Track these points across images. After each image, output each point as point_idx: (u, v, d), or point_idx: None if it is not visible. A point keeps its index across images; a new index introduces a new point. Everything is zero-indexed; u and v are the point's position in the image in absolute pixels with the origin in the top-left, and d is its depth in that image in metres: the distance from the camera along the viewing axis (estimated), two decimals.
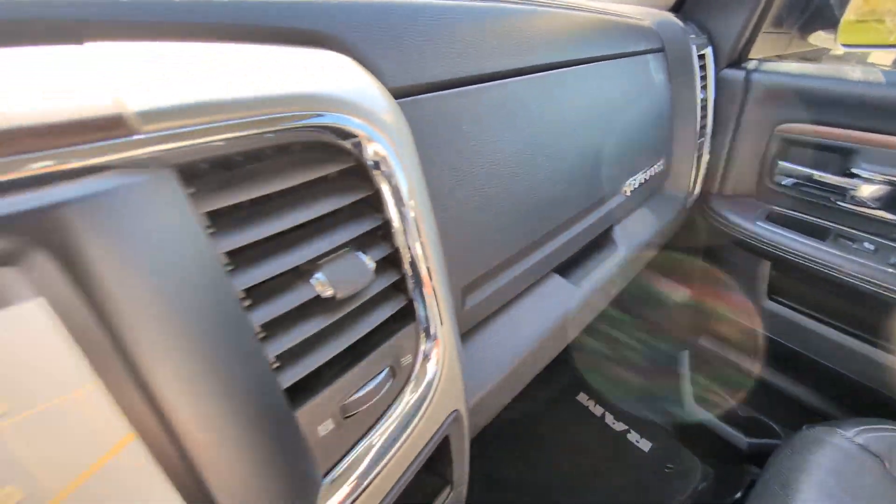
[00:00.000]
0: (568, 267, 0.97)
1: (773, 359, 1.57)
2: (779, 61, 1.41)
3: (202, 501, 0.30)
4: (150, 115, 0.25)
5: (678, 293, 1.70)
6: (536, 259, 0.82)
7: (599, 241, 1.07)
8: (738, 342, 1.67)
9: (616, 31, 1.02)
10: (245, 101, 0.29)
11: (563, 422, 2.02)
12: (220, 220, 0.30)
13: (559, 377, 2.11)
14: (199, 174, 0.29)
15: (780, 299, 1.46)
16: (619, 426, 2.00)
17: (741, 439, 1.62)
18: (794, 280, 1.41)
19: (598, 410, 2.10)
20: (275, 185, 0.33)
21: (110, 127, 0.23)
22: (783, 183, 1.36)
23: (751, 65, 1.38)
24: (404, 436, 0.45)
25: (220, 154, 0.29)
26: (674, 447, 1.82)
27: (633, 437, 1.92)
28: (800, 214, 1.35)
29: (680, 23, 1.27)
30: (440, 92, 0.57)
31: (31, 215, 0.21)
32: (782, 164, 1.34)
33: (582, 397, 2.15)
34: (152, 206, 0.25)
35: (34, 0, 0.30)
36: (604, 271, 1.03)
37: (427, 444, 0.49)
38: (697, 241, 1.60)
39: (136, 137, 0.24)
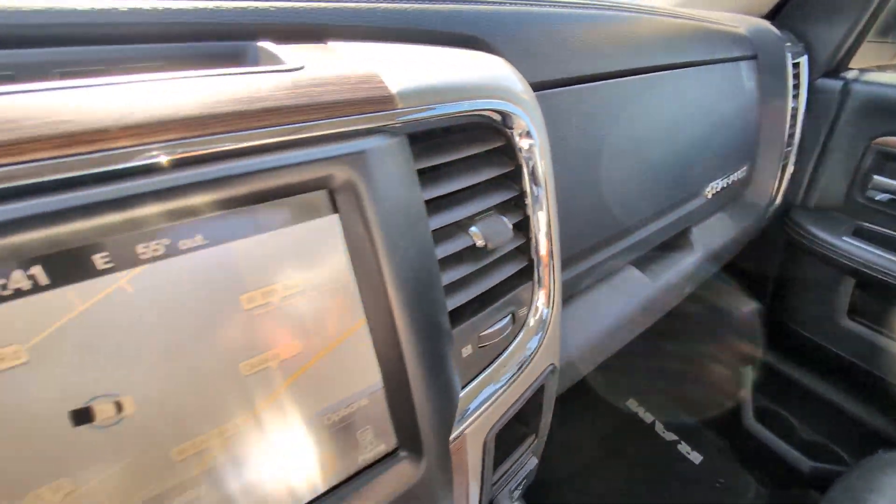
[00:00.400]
0: (645, 261, 1.01)
1: (847, 381, 1.51)
2: (880, 72, 1.36)
3: (394, 374, 0.40)
4: (404, 96, 0.35)
5: (748, 304, 1.67)
6: (618, 249, 0.89)
7: (676, 241, 1.10)
8: (809, 361, 1.61)
9: (711, 37, 1.05)
10: (454, 86, 0.39)
11: (610, 426, 2.03)
12: (421, 177, 0.40)
13: (609, 380, 2.12)
14: (415, 140, 0.39)
15: (861, 319, 1.41)
16: (670, 436, 1.98)
17: (804, 462, 1.57)
18: (878, 300, 1.35)
19: (647, 418, 2.09)
20: (455, 154, 0.43)
21: (384, 103, 0.34)
22: (876, 198, 1.31)
23: (850, 74, 1.34)
24: (517, 373, 0.54)
25: (431, 127, 0.39)
26: (727, 463, 1.79)
27: (683, 448, 1.89)
28: (892, 232, 1.30)
29: (775, 30, 1.26)
30: (559, 88, 0.65)
31: (342, 157, 0.32)
32: (877, 178, 1.29)
33: (632, 403, 2.15)
34: (399, 158, 0.36)
35: (300, 9, 0.42)
36: (678, 270, 1.06)
37: (529, 388, 0.58)
38: (773, 252, 1.57)
39: (395, 111, 0.35)
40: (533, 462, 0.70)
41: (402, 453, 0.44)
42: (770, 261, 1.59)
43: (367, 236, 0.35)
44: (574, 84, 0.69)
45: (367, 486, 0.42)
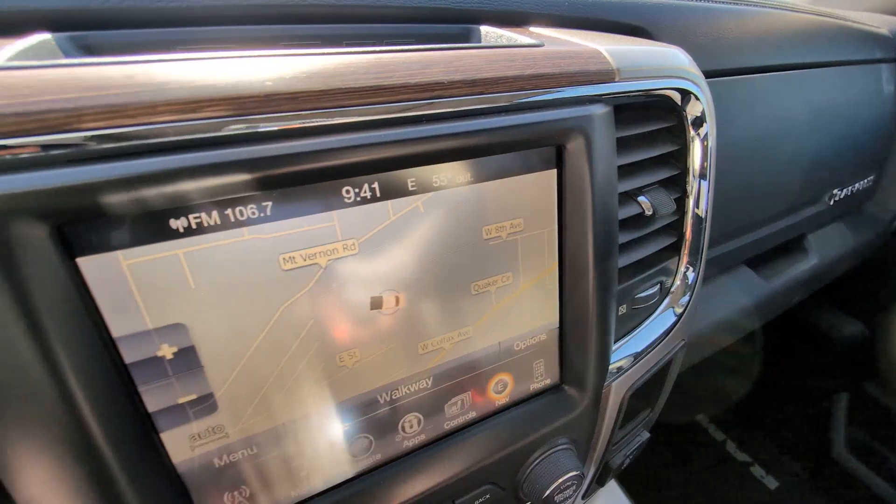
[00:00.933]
0: (758, 262, 1.00)
1: None
2: None
3: (571, 316, 0.47)
4: (623, 71, 0.41)
5: (851, 325, 1.56)
6: (737, 245, 0.89)
7: (791, 246, 1.07)
8: None
9: (851, 37, 1.01)
10: (657, 65, 0.45)
11: (676, 439, 1.96)
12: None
13: (678, 390, 2.04)
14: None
15: None
16: (742, 456, 1.88)
17: None
18: None
19: (718, 436, 2.00)
20: (639, 128, 0.48)
21: (608, 75, 0.40)
22: None
23: None
24: (659, 339, 0.58)
25: (629, 101, 0.45)
26: (806, 491, 1.68)
27: (757, 471, 1.80)
28: None
29: None
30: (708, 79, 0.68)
31: (577, 119, 0.38)
32: None
33: (702, 418, 2.06)
34: (610, 126, 0.41)
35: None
36: (791, 276, 1.04)
37: (664, 357, 0.62)
38: (887, 271, 1.45)
39: (614, 83, 0.41)
40: (645, 436, 0.74)
41: (567, 389, 0.50)
42: (882, 280, 1.48)
43: (581, 190, 0.41)
44: (717, 76, 0.71)
45: (536, 412, 0.49)
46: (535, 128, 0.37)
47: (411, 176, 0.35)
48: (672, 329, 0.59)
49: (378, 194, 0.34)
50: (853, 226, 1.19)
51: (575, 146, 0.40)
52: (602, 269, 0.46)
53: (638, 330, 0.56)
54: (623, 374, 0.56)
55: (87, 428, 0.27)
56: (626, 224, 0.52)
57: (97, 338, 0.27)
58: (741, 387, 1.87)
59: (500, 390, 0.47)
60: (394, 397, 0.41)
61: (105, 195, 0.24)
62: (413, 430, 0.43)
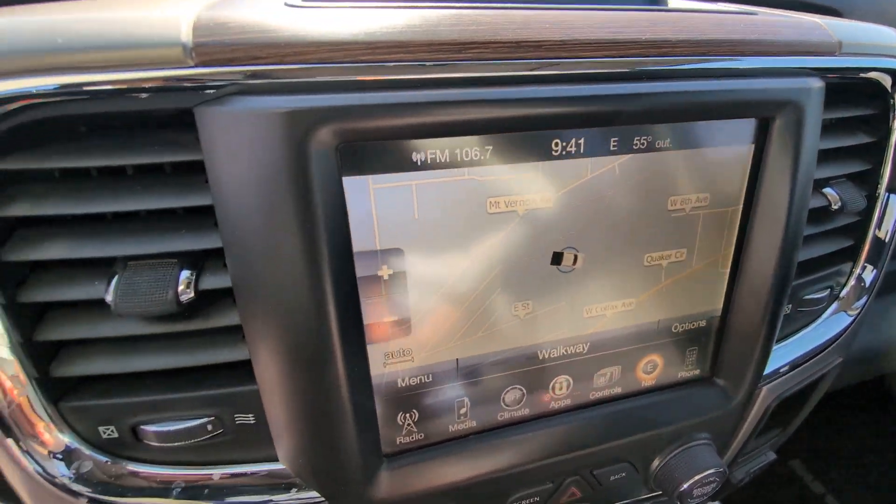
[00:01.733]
0: None
1: None
2: None
3: (739, 306, 0.44)
4: (845, 45, 0.38)
5: None
6: None
7: None
8: None
9: None
10: (876, 42, 0.41)
11: (764, 488, 1.76)
12: None
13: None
14: None
15: None
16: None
17: None
18: None
19: (817, 488, 1.77)
20: (839, 113, 0.44)
21: (829, 48, 0.38)
22: None
23: None
24: (819, 349, 0.53)
25: (840, 80, 0.41)
26: None
27: None
28: None
29: None
30: None
31: (793, 91, 0.36)
32: None
33: (798, 465, 1.84)
34: (821, 103, 0.39)
35: None
36: None
37: (817, 372, 0.56)
38: None
39: (835, 57, 0.38)
40: (770, 456, 0.68)
41: (719, 382, 0.48)
42: None
43: (781, 170, 0.39)
44: None
45: (683, 400, 0.47)
46: (747, 95, 0.35)
47: (615, 136, 0.35)
48: (836, 340, 0.54)
49: (582, 150, 0.35)
50: None
51: (784, 121, 0.37)
52: (785, 260, 0.43)
53: (799, 334, 0.52)
54: (777, 379, 0.52)
55: (326, 325, 0.32)
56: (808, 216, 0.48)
57: (345, 250, 0.31)
58: (849, 437, 1.63)
59: (649, 371, 0.46)
60: (552, 356, 0.42)
61: (389, 118, 0.28)
62: (561, 393, 0.44)
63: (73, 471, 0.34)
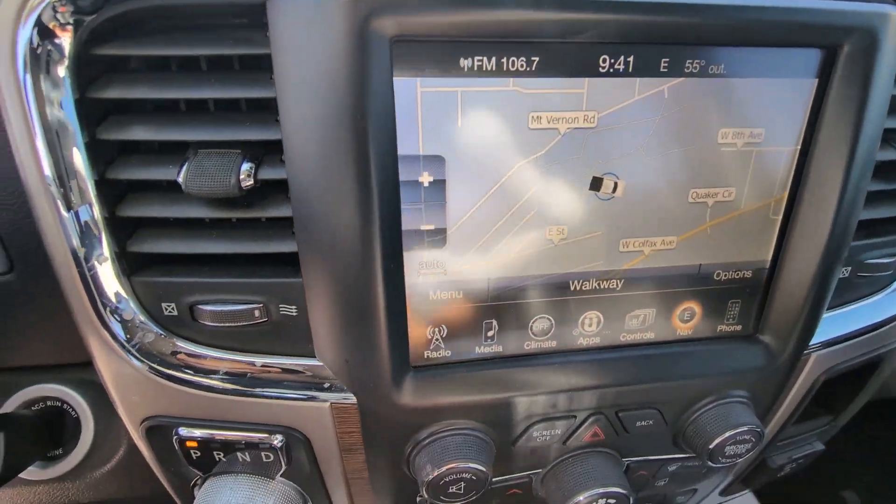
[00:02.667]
0: None
1: None
2: None
3: (790, 259, 0.42)
4: None
5: None
6: None
7: None
8: None
9: None
10: None
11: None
12: None
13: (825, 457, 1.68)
14: None
15: None
16: None
17: None
18: None
19: None
20: None
21: None
22: None
23: None
24: (879, 322, 0.49)
25: None
26: None
27: None
28: None
29: None
30: None
31: (859, 16, 0.34)
32: None
33: (851, 496, 1.68)
34: None
35: None
36: None
37: (873, 351, 0.52)
38: None
39: None
40: (818, 447, 0.63)
41: (763, 339, 0.46)
42: None
43: (848, 107, 0.36)
44: None
45: (721, 353, 0.45)
46: (812, 17, 0.34)
47: (666, 56, 0.35)
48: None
49: (630, 69, 0.35)
50: None
51: (853, 50, 0.35)
52: (845, 213, 0.40)
53: (858, 304, 0.48)
54: (827, 348, 0.49)
55: (369, 225, 0.33)
56: (875, 171, 0.44)
57: (390, 151, 0.33)
58: None
59: (686, 319, 0.45)
60: (583, 288, 0.42)
61: (444, 13, 0.30)
62: (591, 330, 0.44)
63: (138, 340, 0.38)
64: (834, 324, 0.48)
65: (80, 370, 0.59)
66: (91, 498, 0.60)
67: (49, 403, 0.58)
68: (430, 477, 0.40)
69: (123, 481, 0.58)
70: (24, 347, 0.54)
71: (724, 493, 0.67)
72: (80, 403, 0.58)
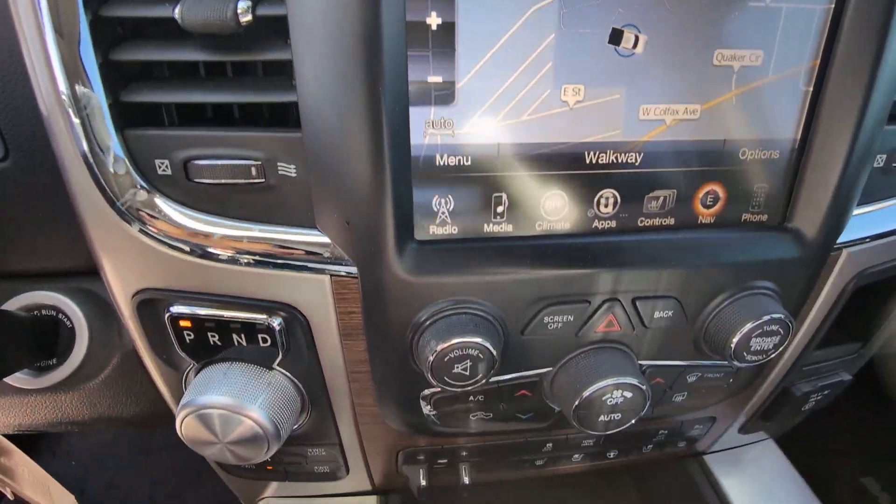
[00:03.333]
0: None
1: None
2: None
3: (819, 140, 0.40)
4: None
5: None
6: None
7: None
8: None
9: None
10: None
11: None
12: None
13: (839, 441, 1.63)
14: None
15: None
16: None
17: None
18: None
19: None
20: None
21: None
22: None
23: None
24: None
25: None
26: None
27: None
28: None
29: None
30: None
31: None
32: None
33: (870, 482, 1.62)
34: None
35: None
36: None
37: None
38: None
39: None
40: (845, 378, 0.60)
41: (791, 227, 0.43)
42: None
43: None
44: None
45: (746, 241, 0.43)
46: None
47: None
48: None
49: None
50: None
51: None
52: (883, 84, 0.37)
53: (893, 201, 0.45)
54: (860, 245, 0.46)
55: (372, 70, 0.32)
56: None
57: None
58: None
59: (709, 204, 0.42)
60: (600, 161, 0.39)
61: None
62: (607, 212, 0.41)
63: (129, 199, 0.37)
64: (868, 222, 0.45)
65: (78, 279, 0.58)
66: (84, 414, 0.59)
67: (45, 312, 0.57)
68: (435, 353, 0.37)
69: (117, 395, 0.57)
70: (20, 248, 0.52)
71: (743, 430, 0.64)
72: (75, 313, 0.56)
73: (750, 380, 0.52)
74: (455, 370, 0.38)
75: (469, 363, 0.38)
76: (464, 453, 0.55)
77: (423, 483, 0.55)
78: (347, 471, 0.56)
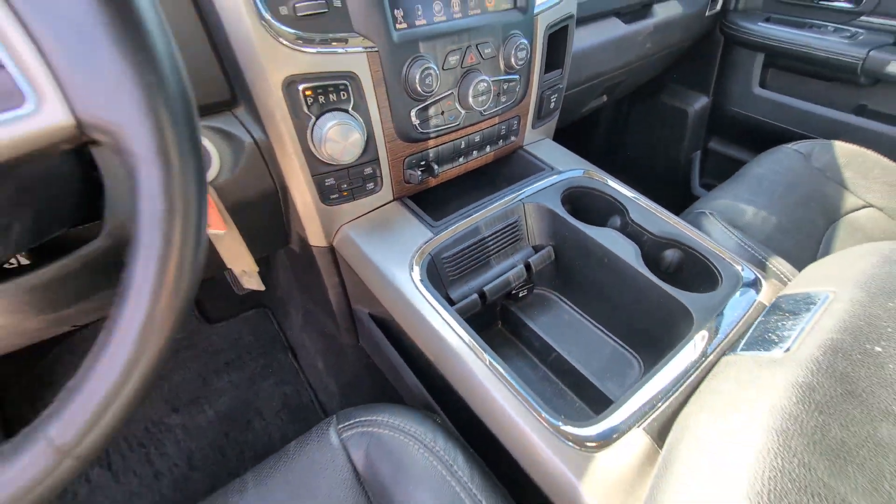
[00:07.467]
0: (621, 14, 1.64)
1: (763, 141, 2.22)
2: None
3: None
4: None
5: (698, 100, 2.32)
6: None
7: (639, 11, 1.72)
8: (735, 133, 2.30)
9: None
10: None
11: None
12: None
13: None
14: None
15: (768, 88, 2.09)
16: None
17: None
18: (779, 69, 2.02)
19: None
20: None
21: None
22: None
23: None
24: None
25: None
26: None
27: None
28: (789, 17, 1.93)
29: None
30: None
31: None
32: None
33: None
34: None
35: None
36: (641, 24, 1.70)
37: None
38: (715, 52, 2.20)
39: None
40: (561, 87, 1.37)
41: (520, 5, 1.09)
42: (713, 60, 2.23)
43: None
44: None
45: (511, 14, 1.07)
46: None
47: None
48: None
49: None
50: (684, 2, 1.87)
51: None
52: None
53: None
54: (546, 11, 1.15)
55: None
56: None
57: None
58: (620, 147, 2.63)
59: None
60: None
61: None
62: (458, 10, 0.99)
63: (271, 25, 0.79)
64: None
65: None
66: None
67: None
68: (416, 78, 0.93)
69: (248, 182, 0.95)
70: None
71: (534, 127, 1.38)
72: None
73: (525, 87, 1.21)
74: (426, 82, 0.94)
75: (429, 78, 0.94)
76: (431, 155, 1.14)
77: (419, 173, 1.12)
78: (381, 184, 1.09)
